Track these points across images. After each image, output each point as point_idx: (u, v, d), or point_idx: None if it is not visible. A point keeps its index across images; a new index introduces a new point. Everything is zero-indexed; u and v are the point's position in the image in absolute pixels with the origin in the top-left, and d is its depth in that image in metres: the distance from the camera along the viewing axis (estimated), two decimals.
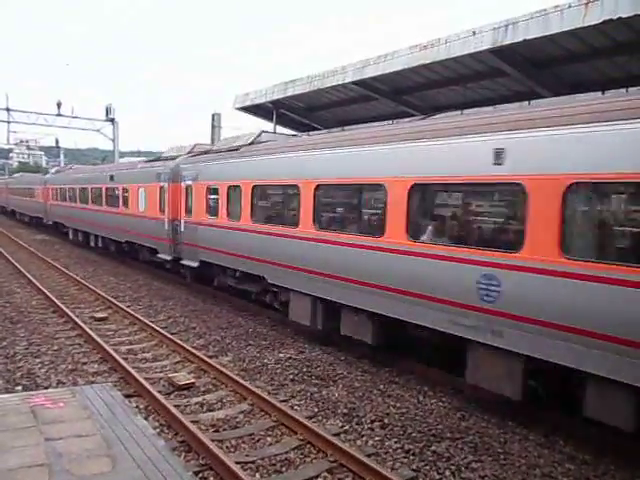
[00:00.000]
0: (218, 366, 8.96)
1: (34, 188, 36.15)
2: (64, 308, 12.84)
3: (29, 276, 17.21)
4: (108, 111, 40.84)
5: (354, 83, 16.64)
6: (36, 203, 35.48)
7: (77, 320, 11.75)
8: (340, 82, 16.94)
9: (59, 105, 38.81)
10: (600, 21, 10.13)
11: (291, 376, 8.88)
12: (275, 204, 12.42)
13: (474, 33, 12.45)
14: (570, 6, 10.55)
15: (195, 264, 14.74)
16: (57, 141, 57.45)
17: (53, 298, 13.92)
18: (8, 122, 39.80)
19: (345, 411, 7.48)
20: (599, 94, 9.10)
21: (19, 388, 7.97)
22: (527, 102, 12.05)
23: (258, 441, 6.60)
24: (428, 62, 13.80)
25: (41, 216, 34.13)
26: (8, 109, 38.62)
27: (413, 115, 15.61)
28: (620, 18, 9.85)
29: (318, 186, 9.88)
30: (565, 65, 12.99)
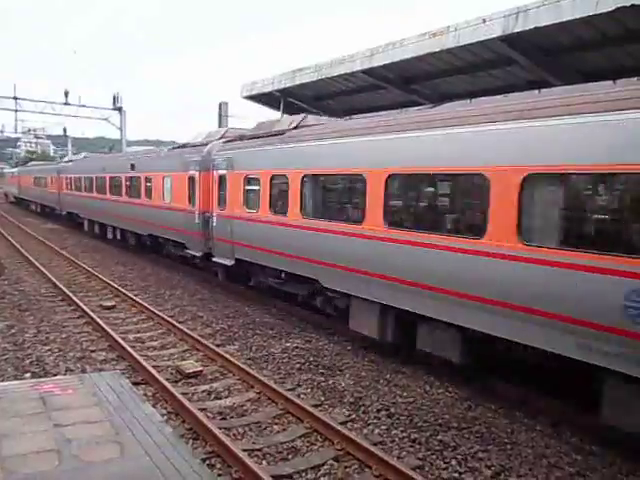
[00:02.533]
0: (225, 354, 9.00)
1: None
2: (72, 296, 12.92)
3: (38, 264, 17.32)
4: (115, 99, 40.84)
5: (362, 72, 16.50)
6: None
7: (85, 308, 11.82)
8: (348, 71, 16.80)
9: (66, 94, 38.88)
10: (613, 8, 9.96)
11: (298, 365, 8.90)
12: None
13: (484, 21, 12.26)
14: None
15: None
16: (65, 130, 57.57)
17: (61, 286, 14.01)
18: (16, 110, 39.99)
19: (351, 400, 7.50)
20: (610, 83, 8.97)
21: (28, 375, 8.05)
22: (537, 91, 11.90)
23: (265, 429, 6.64)
24: (437, 50, 13.65)
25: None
26: (15, 97, 38.75)
27: (421, 104, 15.47)
28: (633, 5, 9.67)
29: None
30: (577, 53, 12.79)
